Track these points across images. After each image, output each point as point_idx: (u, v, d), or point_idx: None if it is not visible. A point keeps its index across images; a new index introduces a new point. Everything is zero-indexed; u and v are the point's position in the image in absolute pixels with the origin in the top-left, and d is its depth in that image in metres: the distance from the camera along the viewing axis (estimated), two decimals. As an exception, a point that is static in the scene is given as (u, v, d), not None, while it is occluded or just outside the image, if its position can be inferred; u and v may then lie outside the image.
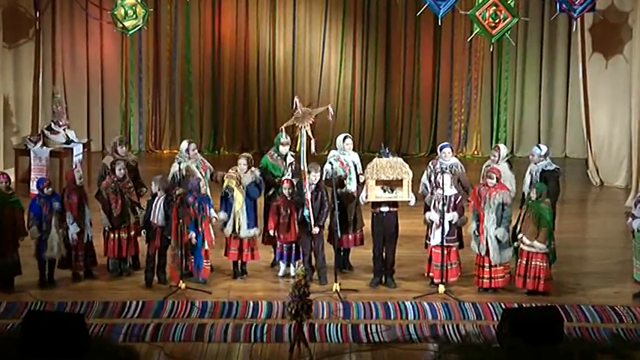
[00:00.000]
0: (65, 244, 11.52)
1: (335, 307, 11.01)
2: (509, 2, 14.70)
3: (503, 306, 10.92)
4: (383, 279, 11.76)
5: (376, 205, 11.57)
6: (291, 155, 12.12)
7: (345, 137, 12.26)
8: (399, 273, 11.90)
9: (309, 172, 11.48)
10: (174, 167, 12.19)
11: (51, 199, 11.45)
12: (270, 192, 12.08)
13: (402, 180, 11.46)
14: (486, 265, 11.42)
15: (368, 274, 11.91)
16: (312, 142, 11.58)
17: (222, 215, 11.72)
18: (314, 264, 11.73)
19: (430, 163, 12.32)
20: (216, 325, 10.53)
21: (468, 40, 17.46)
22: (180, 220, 11.25)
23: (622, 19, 16.29)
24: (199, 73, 19.12)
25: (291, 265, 11.80)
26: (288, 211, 11.61)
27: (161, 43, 18.99)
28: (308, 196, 11.45)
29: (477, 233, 11.43)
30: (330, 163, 11.90)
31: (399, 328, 10.55)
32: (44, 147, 15.56)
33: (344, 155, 12.11)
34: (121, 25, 16.01)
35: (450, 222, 11.39)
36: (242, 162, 11.84)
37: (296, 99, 11.87)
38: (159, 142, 19.28)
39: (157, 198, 11.51)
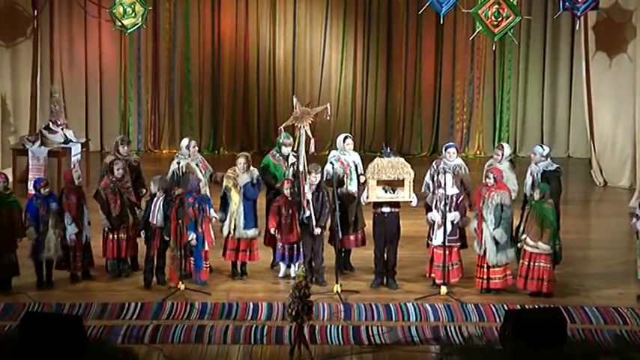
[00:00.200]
0: (62, 244, 11.51)
1: (336, 309, 11.00)
2: (511, 0, 14.71)
3: (506, 307, 10.90)
4: (384, 280, 11.75)
5: (378, 205, 11.56)
6: (293, 155, 12.12)
7: (346, 137, 12.25)
8: (401, 274, 11.89)
9: (309, 172, 11.48)
10: (174, 165, 12.20)
11: (48, 200, 11.43)
12: (272, 193, 12.08)
13: (403, 180, 11.45)
14: (485, 265, 11.42)
15: (369, 275, 11.90)
16: (312, 141, 11.58)
17: (220, 215, 11.72)
18: (313, 265, 11.72)
19: (434, 163, 12.31)
20: (216, 326, 10.52)
21: (470, 38, 17.49)
22: (180, 221, 11.25)
23: (626, 18, 16.28)
24: (199, 72, 19.13)
25: (292, 266, 11.79)
26: (290, 212, 11.60)
27: (160, 42, 19.00)
28: (309, 196, 11.45)
29: (476, 232, 11.44)
30: (330, 163, 11.90)
31: (400, 329, 10.53)
32: (42, 147, 15.55)
33: (344, 155, 12.10)
34: (119, 24, 16.02)
35: (452, 222, 11.38)
36: (241, 161, 11.84)
37: (294, 99, 11.87)
38: (158, 142, 19.29)
39: (156, 198, 11.50)
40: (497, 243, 11.30)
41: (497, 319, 10.68)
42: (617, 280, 12.13)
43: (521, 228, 11.41)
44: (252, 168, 11.89)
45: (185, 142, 12.38)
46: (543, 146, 12.47)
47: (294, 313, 9.58)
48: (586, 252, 13.38)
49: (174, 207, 11.31)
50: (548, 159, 12.26)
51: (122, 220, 11.77)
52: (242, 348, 10.09)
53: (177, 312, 10.89)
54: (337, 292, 11.31)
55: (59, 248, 11.48)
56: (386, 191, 11.51)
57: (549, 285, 11.32)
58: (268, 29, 19.03)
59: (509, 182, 11.96)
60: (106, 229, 11.77)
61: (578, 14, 15.32)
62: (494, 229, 11.29)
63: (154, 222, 11.45)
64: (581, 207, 15.95)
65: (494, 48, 17.05)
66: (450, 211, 11.34)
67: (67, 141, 15.81)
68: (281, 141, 12.12)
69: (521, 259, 11.39)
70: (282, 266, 11.97)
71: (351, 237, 11.98)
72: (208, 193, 12.06)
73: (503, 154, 12.28)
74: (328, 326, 10.53)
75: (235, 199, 11.73)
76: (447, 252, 11.35)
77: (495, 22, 15.00)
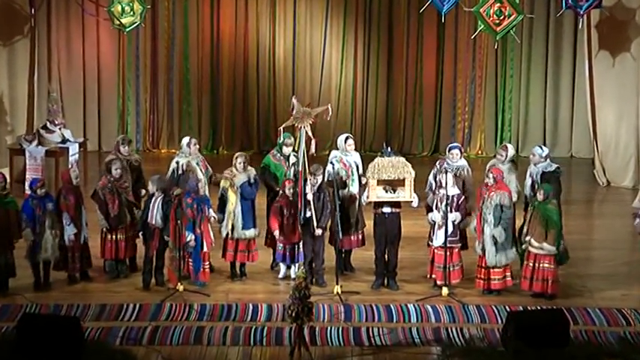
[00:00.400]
0: (60, 245, 11.51)
1: (336, 310, 11.00)
2: (514, -2, 14.74)
3: (508, 309, 10.90)
4: (385, 281, 11.76)
5: (378, 205, 11.56)
6: (294, 156, 12.12)
7: (347, 137, 12.25)
8: (402, 275, 11.90)
9: (311, 173, 11.47)
10: (174, 163, 12.22)
11: (44, 200, 11.43)
12: (272, 194, 12.08)
13: (404, 180, 11.45)
14: (484, 265, 11.42)
15: (370, 276, 11.91)
16: (313, 142, 11.59)
17: (218, 216, 11.71)
18: (313, 266, 11.72)
19: (437, 162, 12.30)
20: (215, 328, 10.52)
21: (472, 37, 17.49)
22: (179, 221, 11.25)
23: (629, 16, 16.28)
24: (198, 71, 19.12)
25: (292, 266, 11.80)
26: (292, 212, 11.61)
27: (159, 41, 18.99)
28: (310, 197, 11.44)
29: (476, 231, 11.45)
30: (331, 163, 11.89)
31: (401, 331, 10.54)
32: (39, 146, 15.55)
33: (346, 156, 12.09)
34: (118, 22, 16.01)
35: (452, 222, 11.38)
36: (239, 161, 11.84)
37: (293, 99, 11.87)
38: (156, 142, 19.28)
39: (154, 198, 11.50)
40: (496, 243, 11.30)
41: (499, 321, 10.68)
42: (620, 281, 12.13)
43: (525, 229, 11.40)
44: (249, 168, 11.89)
45: (186, 140, 12.41)
46: (542, 147, 12.45)
47: (294, 315, 9.59)
48: (589, 253, 13.38)
49: (173, 207, 11.31)
50: (548, 160, 12.26)
51: (120, 220, 11.77)
52: (241, 349, 10.09)
53: (176, 313, 10.89)
54: (337, 293, 11.32)
55: (56, 249, 11.49)
56: (386, 191, 11.52)
57: (553, 286, 11.32)
58: (268, 28, 19.02)
59: (512, 184, 11.97)
60: (104, 229, 11.77)
61: (581, 12, 15.31)
62: (493, 227, 11.29)
63: (153, 222, 11.45)
64: (583, 207, 15.95)
65: (496, 47, 17.05)
66: (450, 211, 11.34)
67: (64, 141, 15.81)
68: (282, 141, 12.12)
69: (525, 261, 11.39)
70: (283, 267, 11.97)
71: (351, 237, 11.98)
72: (207, 194, 12.06)
73: (507, 155, 12.27)
74: (328, 327, 10.53)
75: (232, 199, 11.73)
76: (448, 253, 11.36)
77: (497, 21, 15.00)
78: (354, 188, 11.93)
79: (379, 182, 11.49)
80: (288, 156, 12.17)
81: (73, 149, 15.84)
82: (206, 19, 18.94)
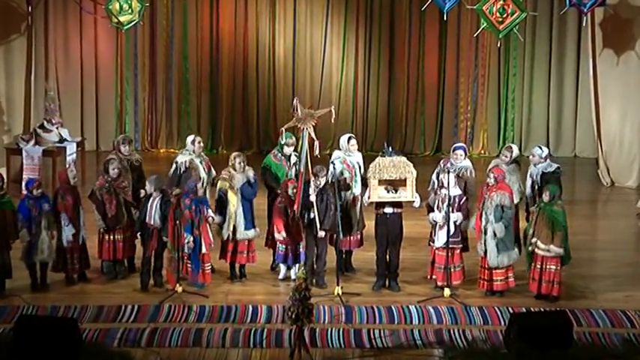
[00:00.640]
0: (58, 246, 11.52)
1: (337, 312, 11.01)
2: (517, -4, 14.74)
3: (511, 310, 10.91)
4: (386, 282, 11.77)
5: (380, 206, 11.57)
6: (295, 156, 12.13)
7: (350, 138, 12.25)
8: (403, 276, 11.90)
9: (315, 175, 11.47)
10: (178, 159, 12.23)
11: (40, 201, 11.44)
12: (273, 194, 12.09)
13: (405, 180, 11.45)
14: (486, 266, 11.43)
15: (371, 277, 11.92)
16: (316, 143, 11.59)
17: (218, 219, 11.71)
18: (315, 268, 11.73)
19: (441, 162, 12.30)
20: (214, 329, 10.53)
21: (475, 35, 17.46)
22: (177, 222, 11.25)
23: (634, 14, 16.29)
24: (197, 70, 19.12)
25: (292, 267, 11.80)
26: (295, 212, 11.61)
27: (157, 39, 19.00)
28: (313, 198, 11.44)
29: (474, 227, 11.45)
30: (332, 163, 11.88)
31: (403, 333, 10.54)
32: (36, 146, 15.56)
33: (350, 157, 12.09)
34: (116, 20, 16.01)
35: (454, 223, 11.39)
36: (238, 161, 11.84)
37: (296, 100, 11.87)
38: (155, 141, 19.29)
39: (152, 198, 11.51)
40: (498, 244, 11.29)
41: (502, 322, 10.69)
42: (624, 282, 12.14)
43: (531, 231, 11.39)
44: (247, 167, 11.90)
45: (190, 138, 12.50)
46: (542, 147, 12.46)
47: (294, 316, 9.60)
48: (592, 253, 13.38)
49: (171, 207, 11.31)
50: (548, 160, 12.27)
51: (118, 220, 11.78)
52: (241, 351, 10.10)
53: (174, 315, 10.90)
54: (338, 294, 11.33)
55: (53, 250, 11.50)
56: (388, 191, 11.52)
57: (559, 288, 11.33)
58: (268, 26, 19.03)
59: (515, 184, 11.98)
60: (102, 230, 11.77)
61: (585, 10, 15.31)
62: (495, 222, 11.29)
63: (151, 222, 11.46)
64: (587, 208, 15.96)
65: (499, 45, 17.04)
66: (452, 211, 11.35)
67: (62, 140, 15.82)
68: (283, 141, 12.12)
69: (532, 263, 11.39)
70: (283, 268, 11.97)
71: (350, 238, 11.99)
72: (208, 195, 12.05)
73: (511, 156, 12.28)
74: (329, 329, 10.54)
75: (233, 200, 11.74)
76: (449, 254, 11.37)
77: (500, 19, 14.99)
78: (356, 189, 11.93)
79: (380, 182, 11.49)
80: (289, 156, 12.17)
81: (71, 149, 15.84)
82: (205, 17, 18.95)
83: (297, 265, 11.72)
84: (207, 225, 11.50)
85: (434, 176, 12.19)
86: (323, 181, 11.51)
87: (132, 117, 19.16)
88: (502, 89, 19.19)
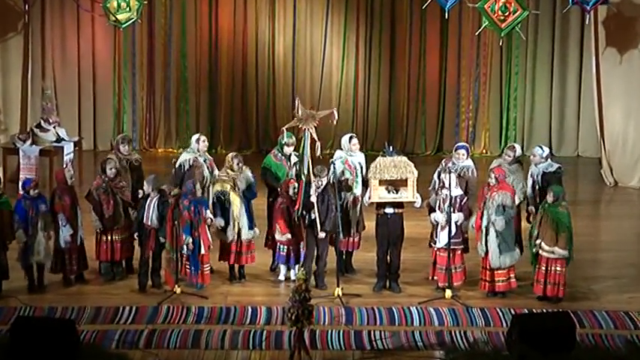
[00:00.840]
0: (55, 247, 11.52)
1: (337, 313, 11.01)
2: (519, -6, 14.75)
3: (513, 312, 10.91)
4: (387, 283, 11.77)
5: (380, 206, 11.57)
6: (295, 155, 12.14)
7: (351, 137, 12.26)
8: (404, 277, 11.91)
9: (316, 175, 11.47)
10: (182, 157, 12.24)
11: (37, 201, 11.43)
12: (273, 194, 12.10)
13: (406, 180, 11.46)
14: (488, 267, 11.44)
15: (371, 278, 11.92)
16: (318, 144, 11.59)
17: (220, 222, 11.69)
18: (315, 269, 11.73)
19: (443, 161, 12.31)
20: (213, 331, 10.53)
21: (477, 34, 17.49)
22: (176, 222, 11.26)
23: (637, 12, 16.29)
24: (195, 69, 19.12)
25: (292, 268, 11.81)
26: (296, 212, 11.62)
27: (155, 37, 19.00)
28: (314, 199, 11.44)
29: (473, 226, 11.47)
30: (332, 163, 11.87)
31: (403, 334, 10.55)
32: (33, 145, 15.56)
33: (351, 157, 12.09)
34: (113, 18, 16.02)
35: (455, 223, 11.39)
36: (236, 162, 11.84)
37: (297, 100, 11.87)
38: (153, 141, 19.29)
39: (150, 198, 11.51)
40: (499, 245, 11.29)
41: (504, 324, 10.70)
42: (627, 283, 12.15)
43: (536, 232, 11.39)
44: (244, 167, 11.90)
45: (195, 136, 12.55)
46: (543, 147, 12.46)
47: (294, 318, 9.60)
48: (596, 254, 13.38)
49: (170, 208, 11.32)
50: (549, 160, 12.28)
51: (115, 221, 11.77)
52: (240, 353, 10.11)
53: (173, 316, 10.90)
54: (338, 295, 11.33)
55: (49, 251, 11.50)
56: (389, 191, 11.53)
57: (564, 290, 11.34)
58: (267, 24, 19.03)
59: (518, 184, 11.99)
60: (99, 230, 11.77)
61: (588, 9, 15.32)
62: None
63: (149, 223, 11.46)
64: (590, 208, 15.96)
65: (501, 43, 17.04)
66: (453, 211, 11.36)
67: (59, 140, 15.82)
68: (284, 141, 12.12)
69: (537, 265, 11.40)
70: (283, 269, 11.98)
71: (349, 239, 11.99)
72: (211, 195, 12.03)
73: (514, 156, 12.30)
74: (329, 331, 10.54)
75: (236, 201, 11.74)
76: (451, 254, 11.38)
77: (502, 17, 15.01)
78: (357, 190, 11.93)
79: (381, 182, 11.50)
80: (289, 155, 12.18)
81: (68, 148, 15.85)
82: (204, 15, 18.95)
83: (297, 266, 11.72)
84: (206, 226, 11.50)
85: (435, 176, 12.20)
86: (324, 181, 11.51)
87: (130, 116, 19.16)
88: (504, 88, 19.20)
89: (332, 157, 12.15)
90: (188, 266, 11.50)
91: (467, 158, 12.18)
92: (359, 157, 12.19)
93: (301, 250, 11.80)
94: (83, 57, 18.79)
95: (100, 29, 18.50)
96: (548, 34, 18.98)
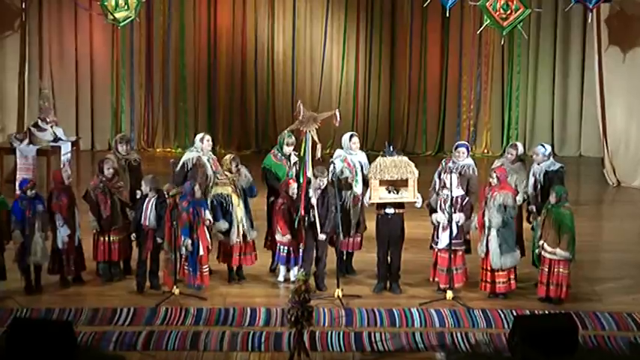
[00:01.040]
0: (53, 248, 11.51)
1: (337, 314, 11.01)
2: (520, -8, 14.75)
3: (515, 313, 10.91)
4: (388, 284, 11.76)
5: (381, 206, 11.57)
6: (295, 155, 12.13)
7: (352, 136, 12.25)
8: (405, 278, 11.90)
9: (316, 176, 11.47)
10: (186, 156, 12.24)
11: (34, 202, 11.42)
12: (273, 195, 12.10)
13: (407, 180, 11.45)
14: (488, 268, 11.43)
15: (372, 279, 11.91)
16: (318, 147, 11.58)
17: (223, 225, 11.67)
18: (314, 270, 11.72)
19: (443, 161, 12.30)
20: (212, 333, 10.52)
21: (478, 32, 17.50)
22: (174, 223, 11.25)
23: (640, 10, 16.32)
24: (194, 67, 19.13)
25: (292, 269, 11.80)
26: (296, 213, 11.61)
27: (154, 36, 19.01)
28: (314, 201, 11.43)
29: (476, 227, 11.46)
30: (332, 163, 11.87)
31: (404, 336, 10.54)
32: (31, 145, 15.57)
33: (351, 155, 12.08)
34: (111, 17, 16.02)
35: (456, 224, 11.38)
36: (234, 164, 11.83)
37: (299, 103, 11.87)
38: (151, 140, 19.30)
39: (147, 199, 11.49)
40: (500, 245, 11.28)
41: (506, 325, 10.68)
42: (630, 284, 12.14)
43: (539, 233, 11.38)
44: (241, 168, 11.89)
45: (199, 135, 12.54)
46: (545, 145, 12.44)
47: (293, 319, 9.59)
48: (598, 255, 13.38)
49: (168, 208, 11.31)
50: (551, 158, 12.27)
51: (113, 221, 11.75)
52: (239, 355, 10.10)
53: (171, 317, 10.89)
54: (338, 296, 11.32)
55: (46, 252, 11.49)
56: (389, 192, 11.52)
57: (567, 291, 11.33)
58: (267, 22, 19.03)
59: (521, 184, 11.98)
60: (96, 231, 11.76)
61: (591, 7, 15.32)
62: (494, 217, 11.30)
63: (147, 223, 11.45)
64: (593, 208, 15.95)
65: (502, 42, 17.07)
66: (454, 212, 11.35)
67: (56, 139, 15.82)
68: (284, 141, 12.12)
69: (540, 266, 11.39)
70: (282, 269, 11.97)
71: (350, 239, 11.98)
72: (212, 195, 12.02)
73: (517, 154, 12.29)
74: (329, 332, 10.53)
75: (238, 204, 11.73)
76: (452, 255, 11.37)
77: (504, 15, 15.01)
78: (357, 189, 11.93)
79: (382, 183, 11.49)
80: (289, 155, 12.17)
81: (65, 148, 15.85)
82: (203, 14, 18.96)
83: (297, 267, 11.71)
84: (205, 227, 11.49)
85: (435, 176, 12.19)
86: (324, 181, 11.50)
87: (128, 116, 19.17)
88: (506, 87, 19.21)
89: (332, 157, 12.15)
90: (186, 267, 11.50)
91: (467, 156, 12.18)
92: (360, 156, 12.18)
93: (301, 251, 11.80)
94: (81, 56, 18.80)
95: (97, 28, 18.51)
96: (550, 33, 18.99)
